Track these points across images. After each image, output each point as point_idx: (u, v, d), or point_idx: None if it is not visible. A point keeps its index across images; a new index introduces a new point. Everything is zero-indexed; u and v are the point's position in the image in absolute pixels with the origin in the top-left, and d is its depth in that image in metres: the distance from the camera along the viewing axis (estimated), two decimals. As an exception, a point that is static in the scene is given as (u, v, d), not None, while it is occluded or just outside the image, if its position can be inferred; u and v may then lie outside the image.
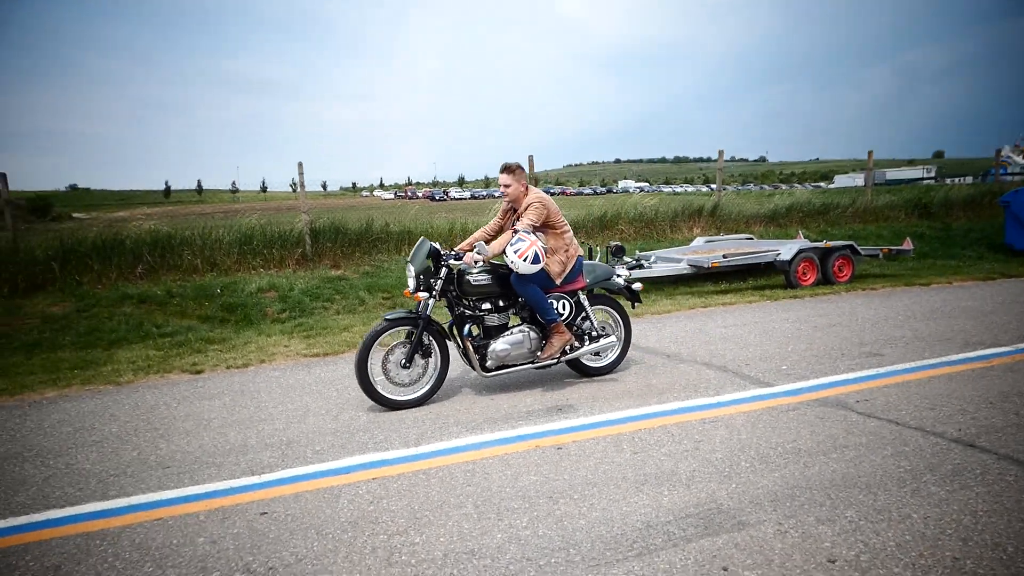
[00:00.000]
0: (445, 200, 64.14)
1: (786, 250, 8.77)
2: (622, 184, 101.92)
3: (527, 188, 4.63)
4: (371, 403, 4.40)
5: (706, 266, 8.61)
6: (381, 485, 3.21)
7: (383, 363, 4.35)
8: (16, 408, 4.93)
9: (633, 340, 6.00)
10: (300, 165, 10.11)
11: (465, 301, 4.57)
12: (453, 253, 4.50)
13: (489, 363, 4.50)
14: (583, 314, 4.87)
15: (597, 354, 4.98)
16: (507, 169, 4.59)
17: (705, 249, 9.93)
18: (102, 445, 3.98)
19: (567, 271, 4.66)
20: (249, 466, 3.54)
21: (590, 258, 8.82)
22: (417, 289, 4.41)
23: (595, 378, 4.93)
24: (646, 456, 3.43)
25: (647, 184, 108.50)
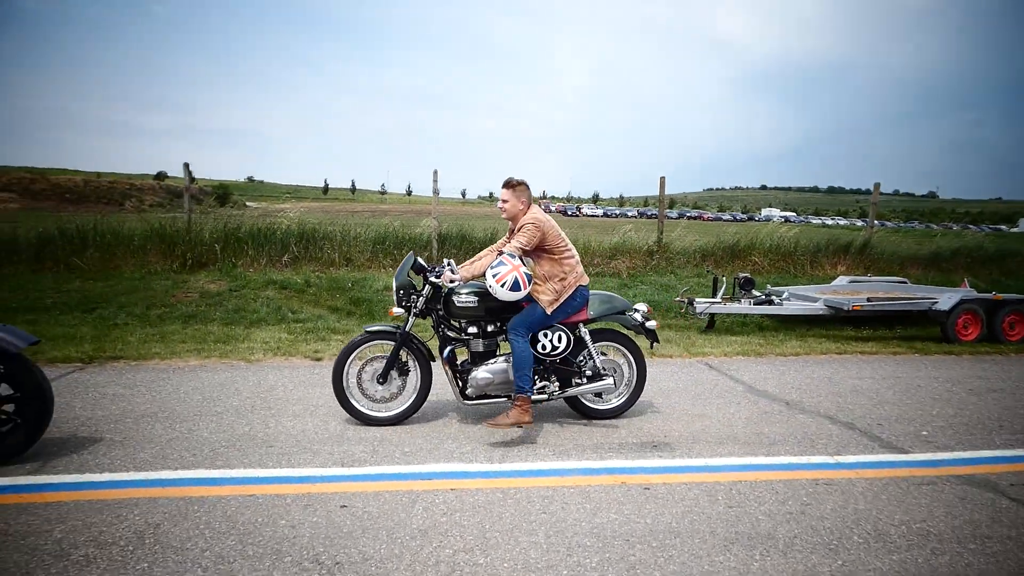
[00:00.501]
0: (577, 216, 64.19)
1: (945, 299, 7.74)
2: (765, 212, 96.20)
3: (528, 207, 4.21)
4: (467, 412, 4.43)
5: (846, 308, 7.82)
6: (457, 497, 3.19)
7: (358, 376, 4.24)
8: (164, 372, 5.52)
9: (749, 382, 5.59)
10: (435, 172, 10.54)
11: (452, 323, 4.33)
12: (436, 271, 4.20)
13: (469, 391, 4.23)
14: (585, 350, 4.42)
15: (600, 395, 4.51)
16: (507, 184, 4.19)
17: (848, 290, 9.03)
18: (222, 417, 4.33)
19: (562, 301, 4.17)
20: (341, 457, 3.68)
21: (714, 288, 8.45)
22: (399, 304, 4.26)
23: (699, 418, 4.61)
24: (742, 512, 3.12)
25: (793, 214, 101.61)
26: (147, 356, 6.03)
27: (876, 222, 12.73)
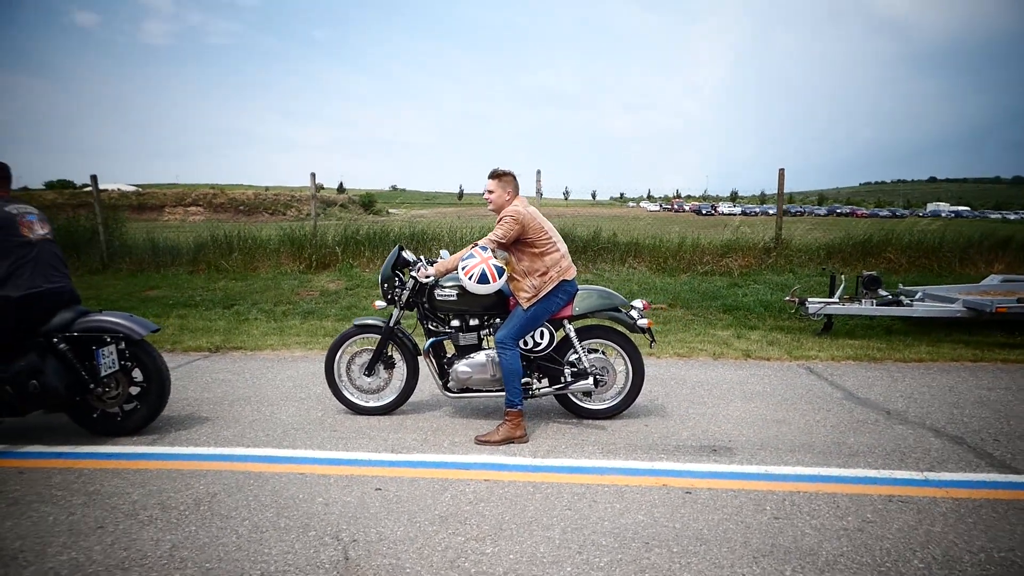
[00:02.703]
0: (712, 215, 61.36)
1: (1125, 301, 6.48)
2: (932, 207, 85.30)
3: (512, 198, 4.04)
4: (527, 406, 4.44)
5: (988, 310, 6.78)
6: (488, 488, 3.23)
7: (347, 367, 4.41)
8: (271, 361, 6.09)
9: (851, 388, 5.07)
10: (538, 172, 10.64)
11: (438, 315, 4.28)
12: (418, 265, 4.16)
13: (451, 384, 4.21)
14: (572, 348, 4.20)
15: (589, 394, 4.30)
16: (493, 175, 4.04)
17: (1000, 290, 7.84)
18: (303, 403, 4.70)
19: (541, 296, 3.97)
20: (393, 444, 3.86)
21: (832, 287, 7.72)
22: (384, 297, 4.29)
23: (776, 424, 4.25)
24: (788, 524, 2.85)
25: (967, 208, 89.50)
26: (262, 347, 6.68)
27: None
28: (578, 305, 4.20)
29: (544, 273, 3.99)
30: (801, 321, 7.88)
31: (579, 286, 4.26)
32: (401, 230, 11.05)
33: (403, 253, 4.40)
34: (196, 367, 5.87)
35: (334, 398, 4.48)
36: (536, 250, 3.98)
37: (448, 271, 4.09)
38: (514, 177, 4.12)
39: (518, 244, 4.00)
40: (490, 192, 4.07)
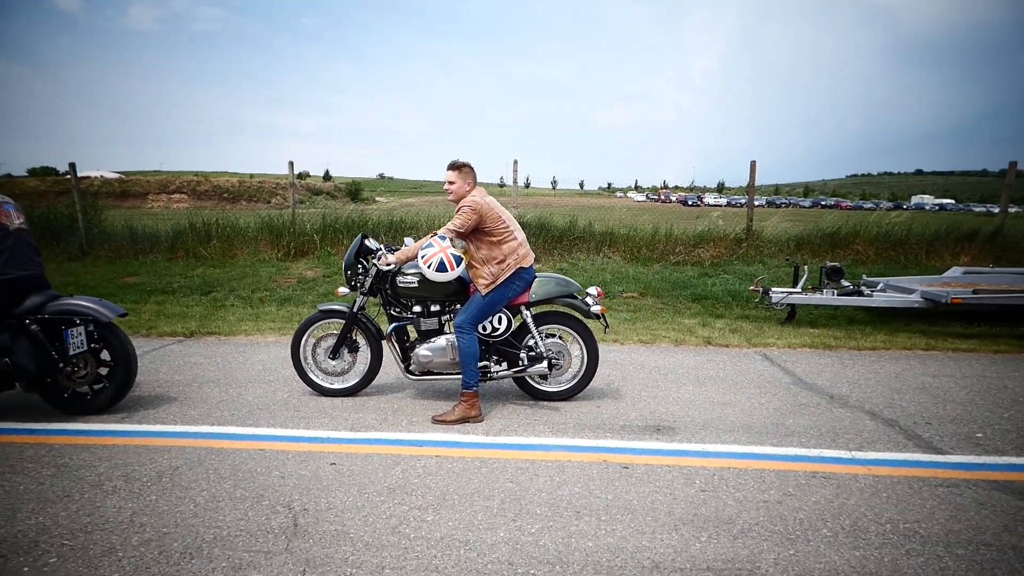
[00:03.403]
0: (699, 206, 61.61)
1: (1074, 292, 6.75)
2: (916, 200, 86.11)
3: (471, 188, 4.20)
4: (483, 389, 4.61)
5: (944, 301, 7.04)
6: (438, 463, 3.41)
7: (313, 350, 4.58)
8: (243, 346, 6.23)
9: (801, 374, 5.30)
10: (515, 163, 10.78)
11: (400, 301, 4.44)
12: (379, 253, 4.31)
13: (412, 367, 4.41)
14: (529, 333, 4.38)
15: (545, 377, 4.49)
16: (452, 166, 4.19)
17: (961, 282, 8.11)
18: (270, 384, 4.86)
19: (498, 283, 4.13)
20: (353, 423, 4.03)
21: (795, 277, 7.95)
22: (347, 283, 4.46)
23: (721, 406, 4.46)
24: (713, 496, 3.06)
25: (951, 201, 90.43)
26: (236, 333, 6.81)
27: (1013, 207, 11.22)
28: (535, 292, 4.36)
29: (502, 261, 4.13)
30: (767, 311, 8.12)
31: (537, 274, 4.43)
32: (379, 218, 11.16)
33: (366, 241, 4.54)
34: (169, 351, 5.99)
35: (301, 381, 4.64)
36: (494, 239, 4.12)
37: (408, 259, 4.23)
38: (472, 169, 4.28)
39: (476, 233, 4.13)
40: (451, 183, 4.20)
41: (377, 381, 4.79)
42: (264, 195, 59.25)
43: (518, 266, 4.18)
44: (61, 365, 3.90)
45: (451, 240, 4.14)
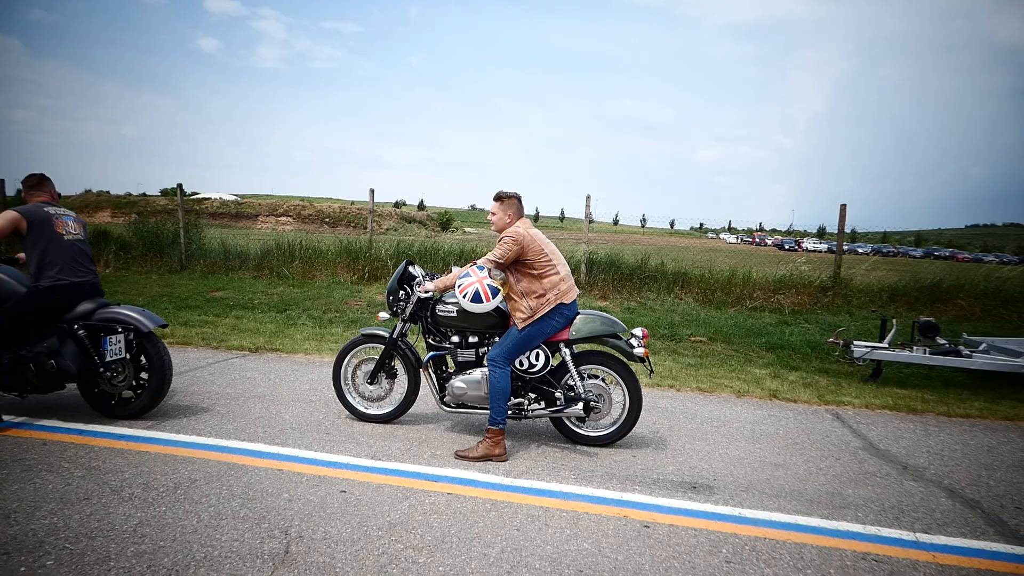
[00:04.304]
0: (796, 250, 58.73)
1: None
2: (1046, 254, 77.70)
3: (514, 220, 4.11)
4: (512, 425, 4.45)
5: (1058, 368, 6.19)
6: (447, 502, 3.27)
7: (353, 373, 4.58)
8: (300, 364, 6.39)
9: (874, 439, 4.77)
10: (588, 198, 10.66)
11: (439, 330, 4.36)
12: (418, 279, 4.32)
13: (447, 398, 4.28)
14: (567, 372, 4.16)
15: (583, 420, 4.24)
16: (496, 198, 4.15)
17: (1084, 347, 7.12)
18: (310, 405, 4.92)
19: (536, 318, 3.97)
20: (376, 450, 3.97)
21: (882, 331, 7.27)
22: (389, 309, 4.43)
23: (774, 467, 4.06)
24: (738, 569, 2.73)
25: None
26: (297, 351, 7.02)
27: None
28: (577, 329, 4.19)
29: (542, 295, 4.01)
30: (850, 366, 7.45)
31: (580, 310, 4.25)
32: (451, 247, 11.32)
33: (410, 268, 4.54)
34: (230, 364, 6.24)
35: (339, 404, 4.66)
36: (535, 272, 4.02)
37: (447, 287, 4.20)
38: (518, 199, 4.21)
39: (517, 265, 4.04)
40: (492, 214, 4.20)
41: (415, 409, 4.74)
42: (362, 221, 62.19)
43: (559, 301, 4.04)
44: (101, 370, 4.12)
45: (489, 271, 4.07)
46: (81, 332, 4.07)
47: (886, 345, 6.99)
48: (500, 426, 3.97)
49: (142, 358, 4.34)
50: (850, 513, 3.39)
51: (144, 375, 4.37)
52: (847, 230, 10.24)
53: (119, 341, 4.18)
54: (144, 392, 4.33)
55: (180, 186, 12.98)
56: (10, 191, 12.68)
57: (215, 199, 67.63)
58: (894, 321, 7.24)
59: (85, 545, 2.68)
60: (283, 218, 63.35)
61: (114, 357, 4.16)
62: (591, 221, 10.94)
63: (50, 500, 3.09)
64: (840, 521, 3.28)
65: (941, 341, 7.07)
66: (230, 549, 2.69)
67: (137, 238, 12.96)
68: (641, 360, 4.21)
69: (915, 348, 6.95)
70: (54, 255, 4.04)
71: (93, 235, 13.65)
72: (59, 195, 4.46)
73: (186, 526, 2.88)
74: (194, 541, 2.74)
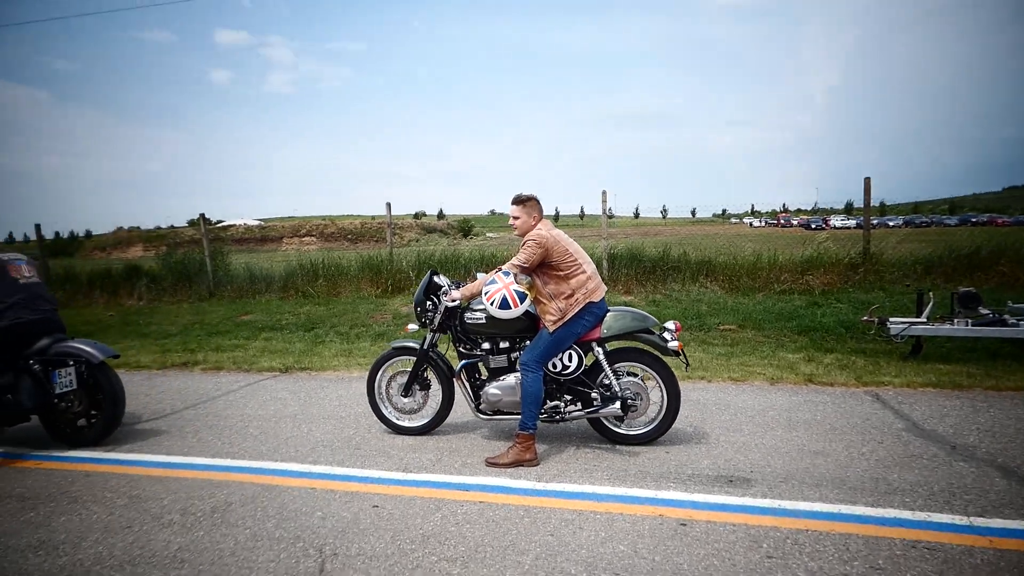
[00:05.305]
0: (823, 229, 57.38)
1: None
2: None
3: (537, 222, 4.03)
4: (540, 431, 4.41)
5: (1112, 333, 5.91)
6: (480, 511, 3.25)
7: (387, 386, 4.57)
8: (328, 382, 6.44)
9: (918, 419, 4.61)
10: (604, 194, 10.57)
11: (469, 338, 4.32)
12: (444, 289, 4.30)
13: (482, 406, 4.23)
14: (602, 371, 4.09)
15: (621, 419, 4.16)
16: (517, 201, 4.07)
17: None
18: (340, 421, 4.94)
19: (567, 319, 3.92)
20: (407, 463, 3.97)
21: (919, 305, 7.04)
22: (418, 320, 4.41)
23: (813, 455, 3.94)
24: (780, 564, 2.65)
25: None
26: (326, 368, 7.08)
27: None
28: (608, 326, 4.13)
29: (570, 296, 3.96)
30: (887, 344, 7.23)
31: (609, 307, 4.20)
32: (471, 254, 11.33)
33: (435, 277, 4.53)
34: (262, 386, 6.32)
35: (370, 418, 4.68)
36: (561, 272, 3.96)
37: (474, 295, 4.18)
38: (538, 201, 4.16)
39: (543, 267, 3.98)
40: (515, 218, 4.10)
41: (450, 418, 4.71)
42: (383, 235, 62.80)
43: (587, 300, 3.99)
44: (56, 401, 4.34)
45: (515, 276, 4.03)
46: (36, 367, 4.28)
47: (924, 320, 6.77)
48: (531, 431, 3.93)
49: (93, 388, 4.50)
50: (897, 499, 3.28)
51: (93, 405, 4.52)
52: (875, 203, 9.98)
53: (70, 373, 4.36)
54: (98, 420, 4.51)
55: (203, 216, 13.24)
56: (48, 234, 13.08)
57: (239, 225, 68.99)
58: (931, 294, 7.02)
59: (128, 572, 2.73)
60: (307, 238, 64.30)
61: (65, 389, 4.35)
62: (610, 216, 10.84)
63: (95, 530, 3.15)
64: (887, 508, 3.17)
65: (984, 311, 6.81)
66: (266, 570, 2.71)
67: (166, 270, 13.26)
68: (676, 354, 4.14)
69: (956, 320, 6.71)
70: (10, 298, 4.26)
71: (125, 271, 14.03)
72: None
73: (223, 549, 2.90)
74: (232, 564, 2.77)
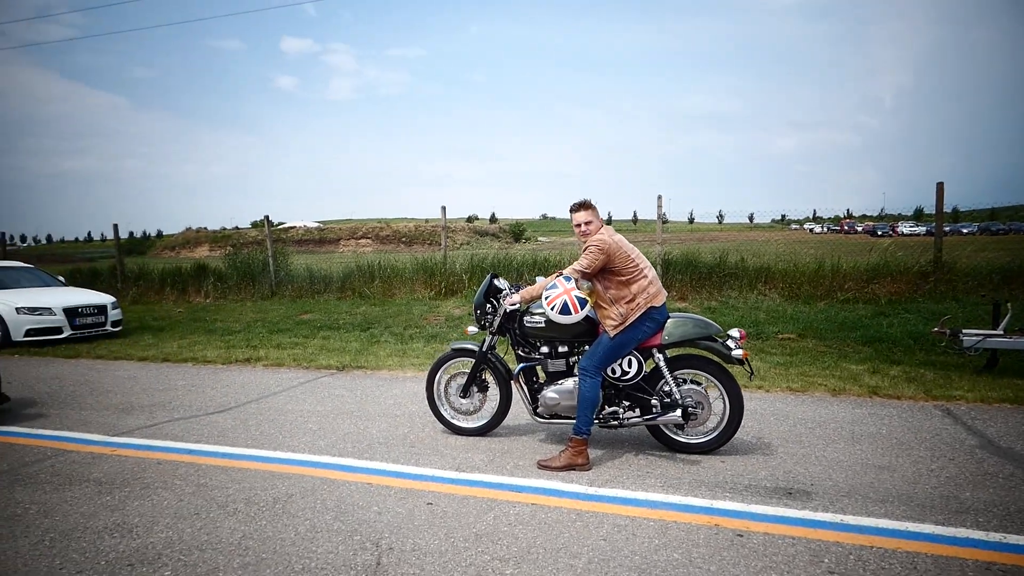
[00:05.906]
0: (891, 235, 54.89)
1: None
2: None
3: (600, 226, 4.00)
4: (596, 433, 4.40)
5: None
6: (532, 512, 3.26)
7: (446, 387, 4.64)
8: (384, 380, 6.60)
9: (993, 436, 4.39)
10: (660, 198, 10.45)
11: (528, 341, 4.34)
12: (506, 293, 4.28)
13: (540, 409, 4.26)
14: (662, 378, 4.03)
15: (681, 427, 4.08)
16: (584, 206, 4.04)
17: None
18: (396, 419, 5.05)
19: (628, 324, 3.85)
20: (460, 462, 4.03)
21: (995, 317, 6.67)
22: (477, 323, 4.44)
23: (879, 470, 3.79)
24: (843, 581, 2.56)
25: None
26: (381, 367, 7.25)
27: None
28: (669, 333, 4.07)
29: (631, 300, 3.93)
30: (959, 357, 6.88)
31: (672, 314, 4.16)
32: (524, 258, 11.38)
33: (495, 281, 4.57)
34: (320, 383, 6.52)
35: (424, 417, 4.77)
36: (622, 277, 3.94)
37: (533, 299, 4.18)
38: (596, 207, 4.15)
39: (604, 272, 3.97)
40: (587, 223, 4.05)
41: (506, 420, 4.74)
42: (437, 238, 63.65)
43: (648, 305, 3.95)
44: None
45: (576, 281, 4.02)
46: None
47: (1001, 332, 6.40)
48: (584, 436, 3.92)
49: None
50: (969, 518, 3.12)
51: None
52: (947, 209, 9.51)
53: None
54: None
55: (267, 218, 13.76)
56: (123, 233, 13.85)
57: (299, 227, 71.24)
58: (1008, 305, 6.64)
59: (196, 557, 2.86)
60: (363, 240, 65.81)
61: None
62: (664, 221, 10.70)
63: (166, 515, 3.33)
64: (958, 527, 3.02)
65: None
66: (325, 561, 2.80)
67: (231, 269, 13.85)
68: (740, 362, 4.06)
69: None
70: None
71: (193, 269, 14.72)
72: None
73: (285, 539, 3.02)
74: (292, 553, 2.87)
